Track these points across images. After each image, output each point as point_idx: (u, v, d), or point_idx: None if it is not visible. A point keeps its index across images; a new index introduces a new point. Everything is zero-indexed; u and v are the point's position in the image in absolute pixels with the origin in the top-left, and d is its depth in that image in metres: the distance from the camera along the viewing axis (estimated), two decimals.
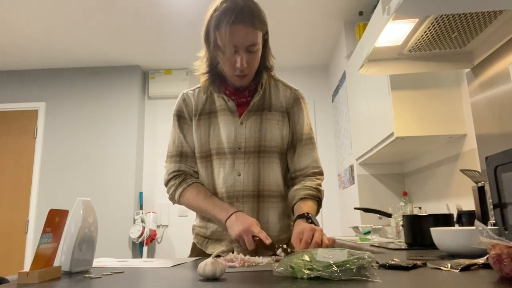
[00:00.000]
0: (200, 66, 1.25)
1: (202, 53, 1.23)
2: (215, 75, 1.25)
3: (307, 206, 1.16)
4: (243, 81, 1.22)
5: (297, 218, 1.13)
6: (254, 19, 1.11)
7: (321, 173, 1.29)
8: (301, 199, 1.19)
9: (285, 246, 1.04)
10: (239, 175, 1.21)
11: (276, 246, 1.05)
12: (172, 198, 1.29)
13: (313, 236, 1.00)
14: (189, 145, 1.28)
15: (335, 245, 2.42)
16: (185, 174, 1.27)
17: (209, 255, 1.23)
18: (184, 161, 1.28)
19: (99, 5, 3.23)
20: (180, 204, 1.28)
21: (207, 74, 1.25)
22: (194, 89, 1.33)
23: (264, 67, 1.27)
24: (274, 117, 1.26)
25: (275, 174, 1.25)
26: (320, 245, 0.98)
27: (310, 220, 1.09)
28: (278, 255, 1.03)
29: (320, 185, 1.26)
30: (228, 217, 1.13)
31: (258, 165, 1.23)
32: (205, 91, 1.28)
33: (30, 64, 4.32)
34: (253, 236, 1.07)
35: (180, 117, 1.30)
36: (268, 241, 1.04)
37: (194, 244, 1.31)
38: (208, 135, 1.25)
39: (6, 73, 4.43)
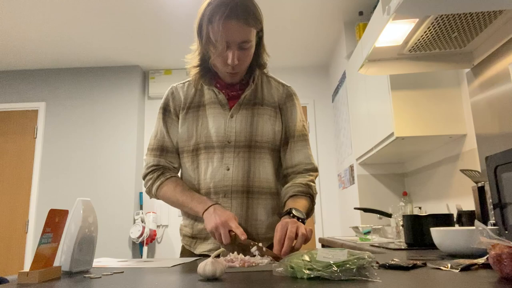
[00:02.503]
0: (192, 59, 1.23)
1: (195, 46, 1.21)
2: (206, 69, 1.24)
3: (296, 204, 1.14)
4: (234, 78, 1.21)
5: (281, 216, 1.11)
6: (248, 15, 1.09)
7: (314, 170, 1.27)
8: (291, 196, 1.17)
9: (260, 244, 1.03)
10: (228, 169, 1.19)
11: (252, 243, 1.03)
12: (149, 192, 1.26)
13: (286, 231, 0.98)
14: (171, 139, 1.26)
15: (335, 245, 2.40)
16: (164, 168, 1.25)
17: (197, 255, 1.22)
18: (164, 155, 1.26)
19: (99, 5, 3.23)
20: (158, 198, 1.26)
21: (198, 68, 1.23)
22: (184, 83, 1.31)
23: (257, 64, 1.25)
24: (266, 112, 1.25)
25: (265, 170, 1.22)
26: (294, 238, 0.97)
27: (291, 215, 1.07)
28: (253, 253, 1.02)
29: (312, 181, 1.23)
30: (206, 210, 1.12)
31: (248, 160, 1.20)
32: (195, 85, 1.27)
33: (30, 64, 4.32)
34: (230, 231, 1.06)
35: (166, 111, 1.28)
36: (243, 237, 1.03)
37: (183, 246, 1.29)
38: (195, 128, 1.23)
39: (6, 73, 4.43)
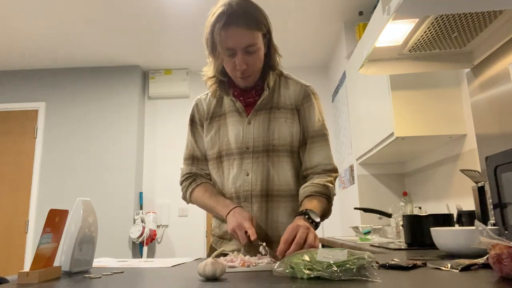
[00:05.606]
0: (207, 71, 1.28)
1: (209, 58, 1.25)
2: (222, 79, 1.27)
3: (311, 204, 1.14)
4: (247, 81, 1.23)
5: (296, 215, 1.11)
6: (247, 19, 1.11)
7: (334, 170, 1.26)
8: (307, 196, 1.18)
9: (264, 244, 1.05)
10: (248, 175, 1.22)
11: (259, 243, 1.06)
12: (184, 198, 1.35)
13: (296, 235, 0.97)
14: (199, 149, 1.33)
15: (335, 245, 2.41)
16: (196, 175, 1.32)
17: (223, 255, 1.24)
18: (195, 164, 1.33)
19: (99, 5, 3.23)
20: (193, 203, 1.33)
21: (214, 78, 1.27)
22: (206, 94, 1.36)
23: (268, 66, 1.26)
24: (282, 115, 1.26)
25: (284, 173, 1.23)
26: (302, 245, 0.95)
27: (307, 216, 1.07)
28: (260, 252, 1.04)
29: (331, 182, 1.22)
30: (228, 213, 1.16)
31: (267, 164, 1.22)
32: (213, 95, 1.31)
33: (30, 64, 4.32)
34: (246, 232, 1.08)
35: (193, 122, 1.35)
36: (253, 237, 1.06)
37: (210, 245, 1.36)
38: (217, 137, 1.27)
39: (6, 73, 4.43)
